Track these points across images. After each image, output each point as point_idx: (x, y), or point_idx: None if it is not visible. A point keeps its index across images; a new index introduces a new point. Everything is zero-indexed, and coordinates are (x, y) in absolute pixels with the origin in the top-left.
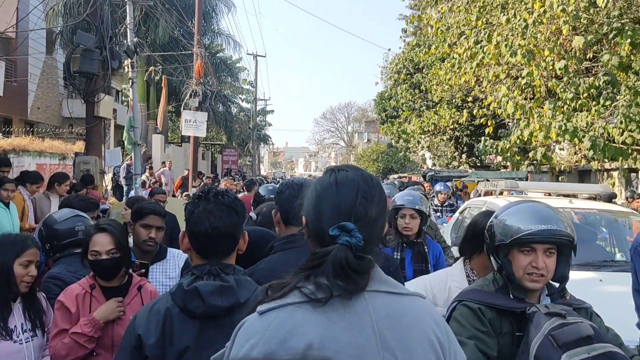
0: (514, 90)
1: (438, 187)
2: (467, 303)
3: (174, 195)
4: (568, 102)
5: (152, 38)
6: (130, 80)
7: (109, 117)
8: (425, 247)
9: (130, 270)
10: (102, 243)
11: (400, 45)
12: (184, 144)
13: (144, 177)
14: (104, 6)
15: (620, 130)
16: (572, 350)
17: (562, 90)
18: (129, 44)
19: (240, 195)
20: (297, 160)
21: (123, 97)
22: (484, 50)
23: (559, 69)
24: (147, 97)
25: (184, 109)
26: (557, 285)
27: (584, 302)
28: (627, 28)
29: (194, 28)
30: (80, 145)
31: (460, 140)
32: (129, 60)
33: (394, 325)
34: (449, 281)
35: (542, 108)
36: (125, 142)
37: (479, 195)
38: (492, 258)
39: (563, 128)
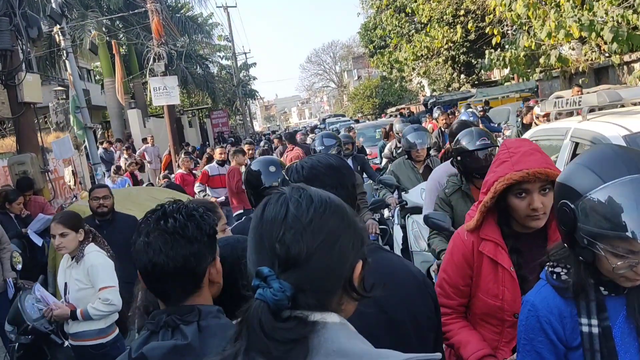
0: None
1: (464, 117)
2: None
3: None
4: None
5: (107, 4)
6: (65, 51)
7: (40, 102)
8: None
9: None
10: None
11: None
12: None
13: (122, 159)
14: None
15: None
16: None
17: None
18: (53, 5)
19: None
20: (290, 110)
21: (96, 77)
22: None
23: None
24: (114, 71)
25: (150, 76)
26: None
27: None
28: None
29: None
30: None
31: (457, 59)
32: (58, 26)
33: None
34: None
35: (559, 2)
36: (75, 128)
37: (530, 121)
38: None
39: (585, 23)
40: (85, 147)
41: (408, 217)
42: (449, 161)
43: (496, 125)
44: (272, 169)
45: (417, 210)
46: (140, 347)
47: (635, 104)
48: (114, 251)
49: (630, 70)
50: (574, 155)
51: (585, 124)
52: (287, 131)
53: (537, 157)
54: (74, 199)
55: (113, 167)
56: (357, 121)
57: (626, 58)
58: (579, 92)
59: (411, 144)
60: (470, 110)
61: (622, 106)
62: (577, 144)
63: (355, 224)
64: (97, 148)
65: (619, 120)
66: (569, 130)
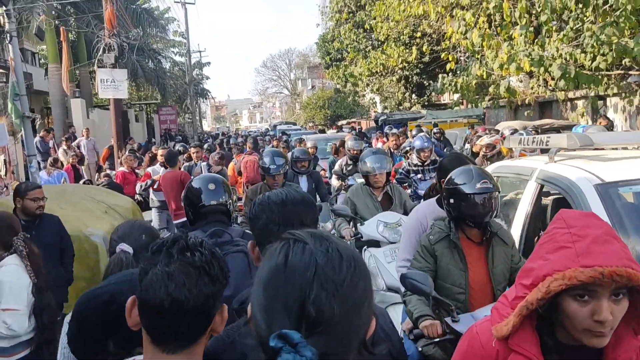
0: (479, 18)
1: (419, 142)
2: None
3: (99, 170)
4: (543, 24)
5: None
6: (9, 35)
7: None
8: None
9: None
10: None
11: None
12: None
13: (60, 151)
14: None
15: (592, 55)
16: None
17: (536, 11)
18: None
19: (164, 173)
20: (241, 113)
21: (41, 60)
22: None
23: None
24: (60, 58)
25: (98, 66)
26: None
27: None
28: None
29: None
30: None
31: (410, 79)
32: (3, 7)
33: None
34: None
35: (512, 35)
36: (12, 115)
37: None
38: None
39: (535, 58)
40: (22, 135)
41: (365, 249)
42: (433, 199)
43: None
44: (212, 186)
45: (374, 243)
46: None
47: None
48: (44, 254)
49: (573, 107)
50: (538, 197)
51: (553, 166)
52: (237, 132)
53: (615, 248)
54: (5, 189)
55: (50, 159)
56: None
57: (570, 95)
58: (606, 123)
59: (369, 169)
60: (423, 134)
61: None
62: (542, 186)
63: (370, 278)
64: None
65: (590, 166)
66: (534, 170)
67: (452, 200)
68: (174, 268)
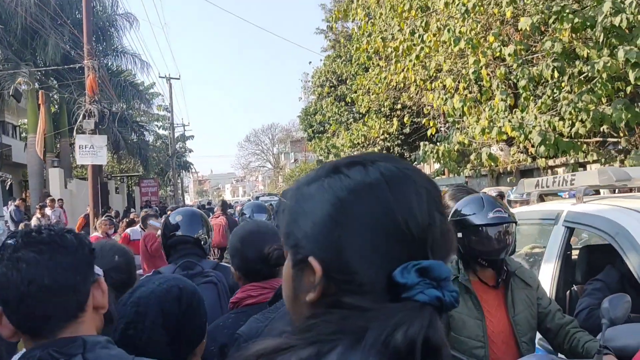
0: (459, 84)
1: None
2: None
3: None
4: (521, 90)
5: (43, 59)
6: None
7: None
8: None
9: None
10: None
11: (321, 58)
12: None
13: (34, 219)
14: None
15: (570, 122)
16: None
17: (515, 77)
18: None
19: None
20: (224, 187)
21: (22, 134)
22: (423, 40)
23: (508, 54)
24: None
25: (77, 133)
26: None
27: None
28: (567, 11)
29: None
30: None
31: (391, 150)
32: None
33: None
34: None
35: (493, 100)
36: None
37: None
38: None
39: (515, 124)
40: None
41: None
42: None
43: None
44: (179, 218)
45: None
46: None
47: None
48: None
49: (554, 174)
50: (567, 243)
51: (584, 207)
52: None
53: None
54: None
55: (21, 225)
56: None
57: (551, 162)
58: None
59: None
60: None
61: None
62: (572, 231)
63: None
64: (8, 203)
65: (633, 204)
66: (561, 213)
67: (459, 235)
68: (21, 252)
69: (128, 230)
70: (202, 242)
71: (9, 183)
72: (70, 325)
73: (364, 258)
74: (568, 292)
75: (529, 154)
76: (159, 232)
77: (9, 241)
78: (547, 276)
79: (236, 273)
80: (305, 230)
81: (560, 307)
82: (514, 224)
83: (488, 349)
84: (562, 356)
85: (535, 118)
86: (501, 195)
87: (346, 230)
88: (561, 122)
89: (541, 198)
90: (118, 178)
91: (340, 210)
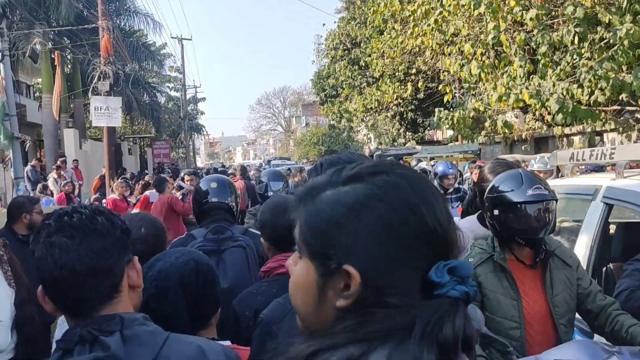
0: (478, 49)
1: (442, 167)
2: None
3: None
4: (540, 57)
5: (56, 19)
6: (0, 53)
7: None
8: None
9: None
10: None
11: (335, 20)
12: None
13: (50, 180)
14: None
15: (589, 89)
16: None
17: (535, 43)
18: None
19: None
20: (235, 150)
21: (36, 93)
22: (442, 3)
23: (530, 19)
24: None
25: (92, 94)
26: None
27: None
28: None
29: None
30: None
31: (404, 116)
32: None
33: None
34: None
35: (510, 67)
36: (1, 137)
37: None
38: None
39: (532, 92)
40: (10, 158)
41: None
42: (474, 216)
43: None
44: (214, 185)
45: None
46: None
47: None
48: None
49: (570, 143)
50: (606, 220)
51: (625, 182)
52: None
53: None
54: None
55: (39, 186)
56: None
57: (567, 130)
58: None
59: None
60: (446, 161)
61: None
62: (610, 207)
63: None
64: (25, 163)
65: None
66: (599, 189)
67: (496, 212)
68: (55, 237)
69: (147, 193)
70: (233, 209)
71: (28, 145)
72: (106, 305)
73: (400, 261)
74: (604, 269)
75: (545, 121)
76: (179, 193)
77: (47, 221)
78: (583, 253)
79: (266, 244)
80: (337, 240)
81: (601, 288)
82: (554, 202)
83: (524, 330)
84: (603, 339)
85: (554, 85)
86: (517, 163)
87: (381, 237)
88: (580, 90)
89: (558, 170)
90: (131, 139)
91: (374, 218)
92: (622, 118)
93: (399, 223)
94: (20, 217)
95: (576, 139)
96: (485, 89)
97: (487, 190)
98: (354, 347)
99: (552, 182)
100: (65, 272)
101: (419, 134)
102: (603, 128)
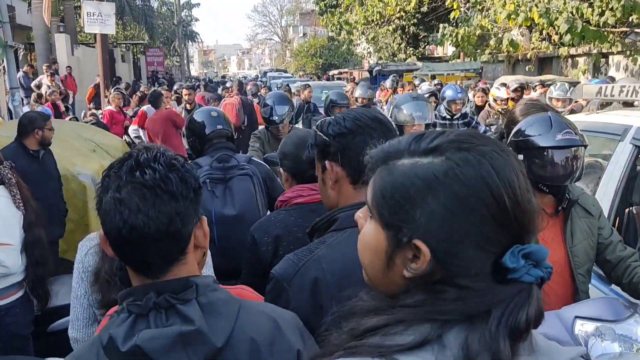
0: None
1: (451, 92)
2: None
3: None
4: None
5: None
6: None
7: None
8: None
9: None
10: None
11: None
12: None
13: (44, 87)
14: None
15: (600, 9)
16: None
17: None
18: None
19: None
20: (230, 59)
21: None
22: None
23: None
24: None
25: None
26: None
27: None
28: None
29: None
30: None
31: (406, 30)
32: None
33: None
34: None
35: None
36: None
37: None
38: None
39: (541, 10)
40: (4, 67)
41: None
42: None
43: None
44: (214, 114)
45: None
46: (128, 336)
47: None
48: (41, 191)
49: (574, 64)
50: (634, 163)
51: None
52: (224, 77)
53: None
54: None
55: (34, 95)
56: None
57: (572, 51)
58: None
59: (407, 118)
60: (456, 85)
61: None
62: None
63: None
64: (18, 71)
65: None
66: (629, 129)
67: (520, 157)
68: (125, 193)
69: (144, 108)
70: (231, 134)
71: (22, 53)
72: (173, 267)
73: (473, 243)
74: (627, 210)
75: (552, 41)
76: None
77: (116, 171)
78: (607, 197)
79: (285, 174)
80: (411, 215)
81: (621, 238)
82: (583, 148)
83: None
84: (627, 295)
85: (565, 3)
86: (522, 87)
87: (456, 218)
88: (590, 10)
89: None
90: (123, 46)
91: (451, 198)
92: (630, 41)
93: (476, 205)
94: (32, 132)
95: (581, 60)
96: (494, 4)
97: (512, 133)
98: (427, 325)
99: (575, 118)
100: (134, 234)
101: (420, 49)
102: (609, 50)
